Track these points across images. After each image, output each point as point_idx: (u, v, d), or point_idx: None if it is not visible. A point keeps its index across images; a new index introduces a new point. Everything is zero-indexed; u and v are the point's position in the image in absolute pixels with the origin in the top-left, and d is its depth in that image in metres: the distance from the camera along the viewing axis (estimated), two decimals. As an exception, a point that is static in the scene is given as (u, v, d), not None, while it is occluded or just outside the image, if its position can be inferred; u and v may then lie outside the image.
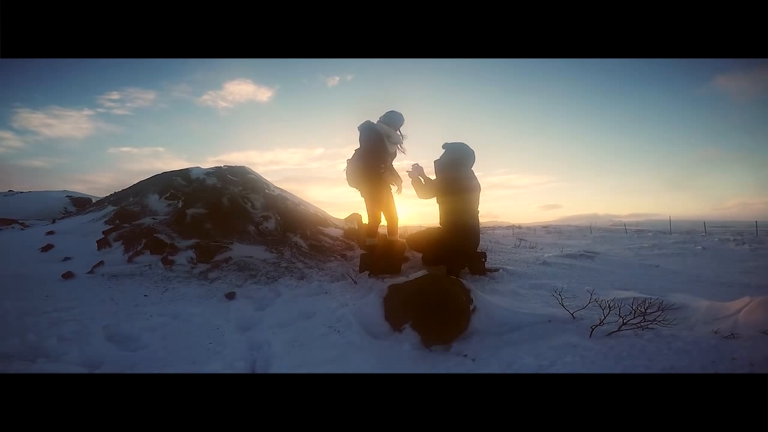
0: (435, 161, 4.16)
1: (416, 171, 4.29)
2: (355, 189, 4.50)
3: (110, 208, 7.03)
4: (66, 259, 4.79)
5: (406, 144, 4.64)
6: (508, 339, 2.60)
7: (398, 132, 4.57)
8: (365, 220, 7.02)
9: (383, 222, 4.58)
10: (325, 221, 6.69)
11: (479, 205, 4.09)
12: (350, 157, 4.47)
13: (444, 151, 4.13)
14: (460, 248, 4.01)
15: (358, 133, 4.41)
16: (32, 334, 2.66)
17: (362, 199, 4.50)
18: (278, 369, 2.44)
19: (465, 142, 4.11)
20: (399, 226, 4.76)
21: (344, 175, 4.53)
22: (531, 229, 25.87)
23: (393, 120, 4.48)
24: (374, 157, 4.28)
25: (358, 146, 4.40)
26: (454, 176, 3.98)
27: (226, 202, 6.17)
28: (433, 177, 4.23)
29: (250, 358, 2.62)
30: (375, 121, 4.46)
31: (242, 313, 3.40)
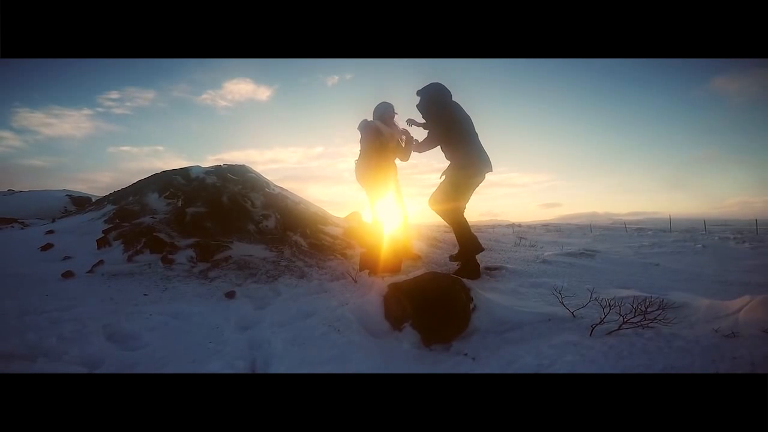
0: (417, 105, 4.26)
1: (410, 123, 4.43)
2: (363, 188, 4.53)
3: (110, 207, 7.02)
4: (66, 258, 4.79)
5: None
6: (509, 338, 2.60)
7: (395, 122, 4.56)
8: (365, 219, 7.02)
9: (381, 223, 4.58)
10: (325, 220, 6.69)
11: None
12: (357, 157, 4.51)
13: (420, 97, 4.21)
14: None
15: (357, 133, 4.45)
16: (32, 333, 2.66)
17: (369, 199, 4.51)
18: (278, 368, 2.43)
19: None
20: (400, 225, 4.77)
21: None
22: (531, 228, 25.87)
23: (383, 112, 4.46)
24: (375, 154, 4.32)
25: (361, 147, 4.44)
26: (443, 112, 4.07)
27: (226, 200, 6.17)
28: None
29: (250, 357, 2.62)
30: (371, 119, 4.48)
31: (242, 312, 3.40)
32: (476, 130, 4.11)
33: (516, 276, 4.24)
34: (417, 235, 5.72)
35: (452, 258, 4.28)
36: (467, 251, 4.17)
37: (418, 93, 4.21)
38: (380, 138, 4.30)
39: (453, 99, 4.18)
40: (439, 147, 4.23)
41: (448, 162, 4.16)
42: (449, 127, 4.05)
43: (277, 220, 5.99)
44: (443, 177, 4.18)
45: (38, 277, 4.06)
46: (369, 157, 4.34)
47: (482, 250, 4.25)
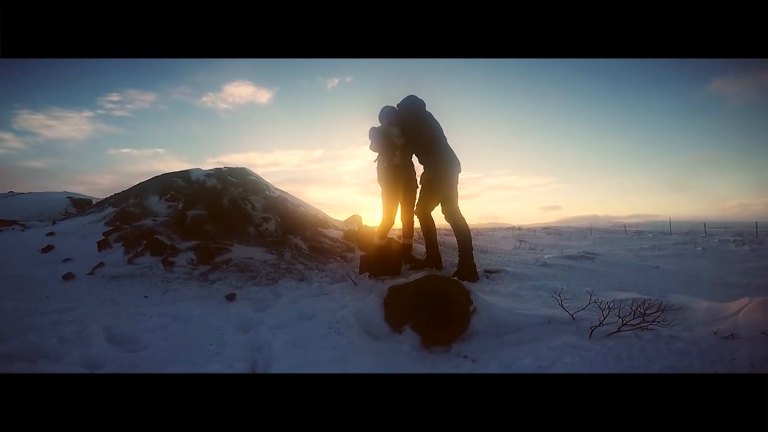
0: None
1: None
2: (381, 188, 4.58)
3: (110, 210, 7.04)
4: (66, 260, 4.80)
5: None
6: (508, 340, 2.60)
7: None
8: (365, 221, 7.02)
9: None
10: (325, 223, 6.70)
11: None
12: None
13: (399, 109, 4.46)
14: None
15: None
16: (33, 335, 2.67)
17: (383, 200, 4.53)
18: (278, 370, 2.43)
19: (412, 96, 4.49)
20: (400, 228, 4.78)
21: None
22: (531, 231, 25.90)
23: (388, 115, 4.52)
24: (389, 156, 4.41)
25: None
26: (418, 121, 4.31)
27: (227, 203, 6.17)
28: None
29: (250, 359, 2.62)
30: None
31: (242, 315, 3.40)
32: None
33: (516, 279, 4.24)
34: (418, 238, 5.72)
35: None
36: (433, 260, 4.53)
37: (398, 106, 4.47)
38: (390, 139, 4.39)
39: (426, 109, 4.44)
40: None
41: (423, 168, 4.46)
42: (424, 134, 4.31)
43: (278, 223, 5.99)
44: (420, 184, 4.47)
45: (39, 278, 4.07)
46: (383, 158, 4.43)
47: (440, 268, 4.53)
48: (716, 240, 13.60)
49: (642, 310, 2.48)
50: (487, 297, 3.09)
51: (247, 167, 7.87)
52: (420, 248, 5.17)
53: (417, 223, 4.67)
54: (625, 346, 2.14)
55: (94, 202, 10.04)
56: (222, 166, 7.70)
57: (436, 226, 4.57)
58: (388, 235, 4.57)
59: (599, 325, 2.46)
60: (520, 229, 28.96)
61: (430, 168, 4.37)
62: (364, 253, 4.82)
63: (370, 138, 4.52)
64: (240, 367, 2.46)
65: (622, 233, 24.68)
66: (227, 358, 2.58)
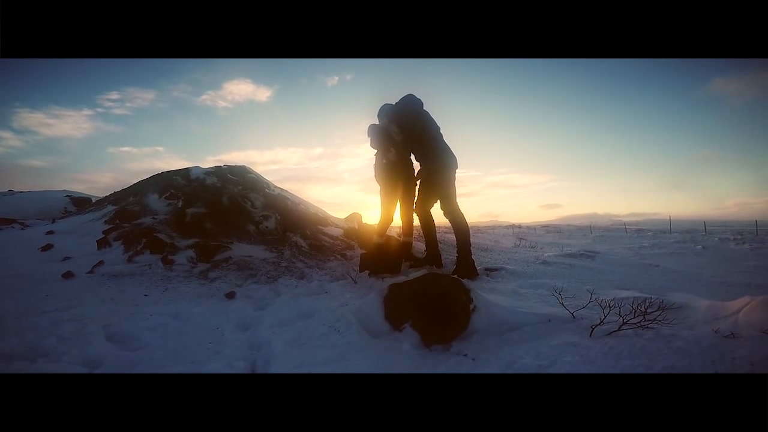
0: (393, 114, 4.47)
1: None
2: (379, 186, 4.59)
3: (110, 208, 7.03)
4: (66, 258, 4.79)
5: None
6: (508, 338, 2.60)
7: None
8: (365, 219, 7.02)
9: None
10: (325, 221, 6.69)
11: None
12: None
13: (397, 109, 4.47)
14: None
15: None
16: (32, 333, 2.66)
17: (381, 198, 4.54)
18: (278, 368, 2.43)
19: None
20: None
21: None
22: (531, 229, 25.94)
23: (387, 113, 4.52)
24: (387, 153, 4.43)
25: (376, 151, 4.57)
26: (417, 121, 4.34)
27: (226, 201, 6.17)
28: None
29: (250, 358, 2.62)
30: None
31: (242, 313, 3.40)
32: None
33: (516, 277, 4.24)
34: (418, 236, 5.73)
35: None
36: (432, 258, 4.55)
37: (396, 105, 4.50)
38: (389, 136, 4.41)
39: (424, 108, 4.47)
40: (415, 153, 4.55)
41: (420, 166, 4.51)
42: (421, 132, 4.35)
43: (277, 221, 5.99)
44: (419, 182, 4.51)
45: (38, 277, 4.06)
46: (381, 155, 4.44)
47: (440, 266, 4.57)
48: (716, 239, 13.63)
49: (642, 309, 2.47)
50: (487, 295, 3.09)
51: (246, 165, 7.87)
52: (420, 246, 5.17)
53: (417, 221, 4.68)
54: (625, 344, 2.13)
55: (93, 201, 10.03)
56: (222, 164, 7.69)
57: (436, 224, 4.58)
58: (388, 233, 4.57)
59: (600, 323, 2.45)
60: (520, 227, 29.01)
61: (427, 166, 4.40)
62: (364, 251, 4.82)
63: (369, 135, 4.52)
64: (239, 366, 2.46)
65: (622, 231, 24.72)
66: (227, 357, 2.57)
